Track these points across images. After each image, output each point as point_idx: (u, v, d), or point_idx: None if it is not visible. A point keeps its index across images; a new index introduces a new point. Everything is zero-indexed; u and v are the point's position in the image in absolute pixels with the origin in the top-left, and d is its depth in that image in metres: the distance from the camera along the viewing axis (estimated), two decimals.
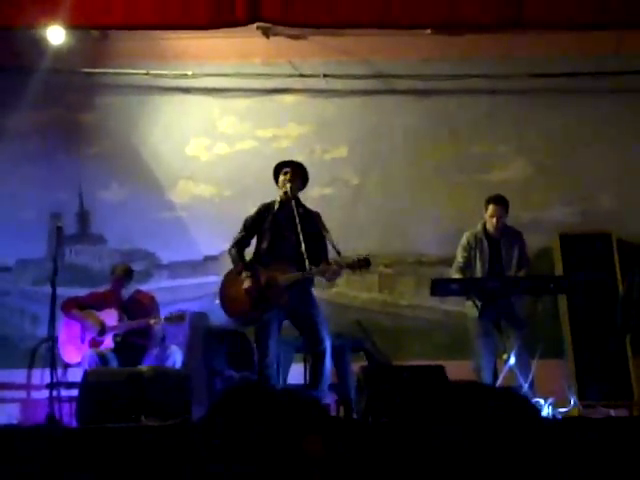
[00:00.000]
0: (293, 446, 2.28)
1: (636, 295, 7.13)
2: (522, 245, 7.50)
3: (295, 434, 2.31)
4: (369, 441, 4.77)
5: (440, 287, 7.21)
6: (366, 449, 4.56)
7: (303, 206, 6.89)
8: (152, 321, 7.63)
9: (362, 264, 6.67)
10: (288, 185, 6.83)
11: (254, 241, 6.98)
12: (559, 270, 8.61)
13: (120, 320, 7.68)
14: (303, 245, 6.55)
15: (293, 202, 6.79)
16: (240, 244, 6.91)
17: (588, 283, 8.26)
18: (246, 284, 6.69)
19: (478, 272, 7.38)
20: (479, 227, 7.50)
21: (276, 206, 6.86)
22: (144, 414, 5.98)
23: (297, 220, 6.65)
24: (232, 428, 2.31)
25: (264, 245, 6.82)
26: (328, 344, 6.71)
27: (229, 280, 6.93)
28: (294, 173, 6.91)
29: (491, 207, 7.42)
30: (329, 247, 6.69)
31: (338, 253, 6.54)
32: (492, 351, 7.21)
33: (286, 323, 6.90)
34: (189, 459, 4.58)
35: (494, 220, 7.40)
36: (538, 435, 2.34)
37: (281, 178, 6.92)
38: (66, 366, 7.66)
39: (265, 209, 6.91)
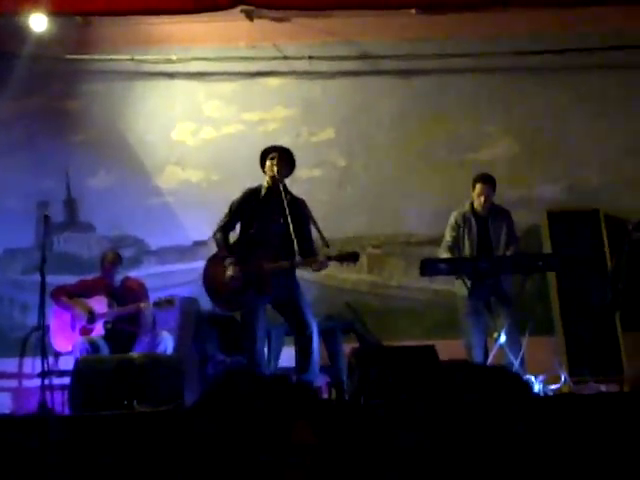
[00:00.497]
0: (283, 433, 2.29)
1: (624, 271, 7.15)
2: (510, 223, 7.50)
3: (285, 421, 2.31)
4: (361, 422, 4.78)
5: (429, 267, 7.20)
6: (358, 430, 4.57)
7: (290, 192, 6.79)
8: (141, 305, 7.63)
9: (349, 258, 6.61)
10: (275, 169, 6.75)
11: (239, 225, 6.90)
12: (547, 247, 8.62)
13: (110, 307, 7.68)
14: (292, 232, 6.50)
15: (281, 186, 6.73)
16: (225, 228, 6.83)
17: (577, 260, 8.26)
18: (230, 271, 6.62)
19: (467, 251, 7.38)
20: (467, 206, 7.49)
21: (263, 191, 6.81)
22: (136, 401, 5.98)
23: (286, 206, 6.58)
24: (223, 414, 2.32)
25: (251, 231, 6.75)
26: (315, 328, 6.68)
27: (213, 265, 6.86)
28: (281, 158, 6.81)
29: (478, 186, 7.42)
30: (315, 235, 6.66)
31: (326, 245, 6.49)
32: (482, 329, 7.23)
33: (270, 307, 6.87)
34: (182, 444, 4.59)
35: (482, 199, 7.40)
36: (530, 411, 2.36)
37: (268, 163, 6.81)
38: (57, 354, 7.65)
39: (251, 193, 6.83)
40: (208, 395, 2.44)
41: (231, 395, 2.35)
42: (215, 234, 6.86)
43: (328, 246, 6.49)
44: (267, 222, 6.71)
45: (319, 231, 6.56)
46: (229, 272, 6.60)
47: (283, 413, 2.32)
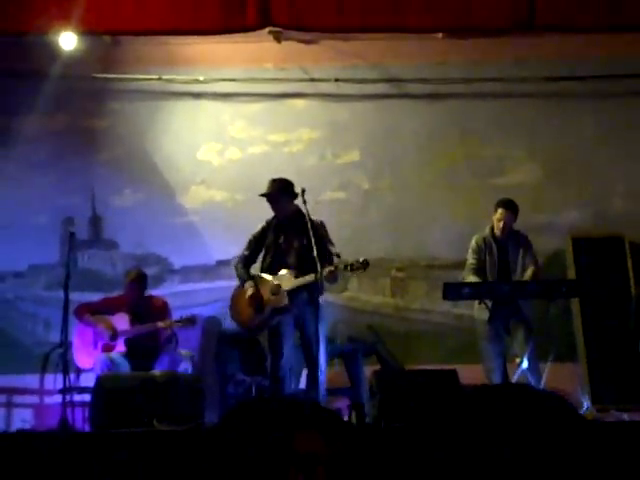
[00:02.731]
0: (285, 441, 2.28)
1: None
2: (528, 246, 7.45)
3: (288, 429, 2.31)
4: (381, 446, 4.76)
5: (452, 291, 7.20)
6: (378, 453, 4.55)
7: (302, 217, 6.83)
8: (163, 324, 7.66)
9: (358, 266, 6.64)
10: (276, 212, 7.02)
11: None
12: (571, 273, 8.58)
13: (132, 324, 7.70)
14: (296, 255, 6.78)
15: (290, 214, 6.93)
16: (246, 260, 7.12)
17: (600, 286, 8.21)
18: (249, 292, 6.89)
19: (488, 275, 7.37)
20: (487, 230, 7.48)
21: (274, 222, 7.07)
22: (157, 419, 5.98)
23: (295, 231, 6.83)
24: (239, 436, 2.32)
25: (268, 258, 7.01)
26: (322, 357, 6.68)
27: (237, 294, 7.10)
28: (275, 201, 7.01)
29: (499, 211, 7.40)
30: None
31: (337, 256, 6.68)
32: (501, 353, 7.20)
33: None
34: (201, 464, 4.58)
35: (500, 224, 7.37)
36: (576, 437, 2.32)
37: None
38: (79, 371, 7.67)
39: (267, 225, 7.09)
40: (227, 419, 2.44)
41: (249, 419, 2.34)
42: (236, 266, 7.16)
43: (339, 256, 6.67)
44: (283, 248, 6.97)
45: (329, 248, 6.77)
46: (248, 292, 6.86)
47: (287, 423, 2.31)
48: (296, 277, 6.77)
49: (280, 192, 7.01)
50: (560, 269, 8.64)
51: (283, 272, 6.87)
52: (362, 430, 5.76)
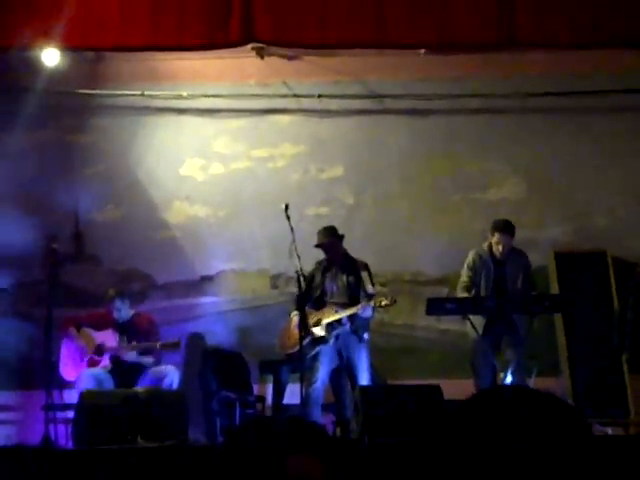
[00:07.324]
0: (277, 465, 2.28)
1: (631, 314, 7.13)
2: (527, 267, 7.45)
3: (281, 453, 2.31)
4: (366, 461, 4.76)
5: (436, 306, 7.20)
6: (363, 469, 4.55)
7: (350, 259, 7.60)
8: (149, 345, 7.66)
9: (387, 303, 7.21)
10: (331, 258, 7.61)
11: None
12: (554, 288, 8.59)
13: (120, 341, 7.69)
14: (340, 294, 7.46)
15: (339, 259, 7.57)
16: (299, 299, 7.44)
17: (583, 301, 8.22)
18: (294, 321, 7.39)
19: (482, 292, 7.35)
20: (485, 248, 7.44)
21: (323, 264, 7.63)
22: (140, 435, 5.96)
23: (338, 270, 7.55)
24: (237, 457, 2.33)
25: (316, 296, 7.56)
26: (367, 377, 7.34)
27: (286, 325, 7.62)
28: (328, 250, 7.59)
29: (497, 235, 7.34)
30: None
31: (371, 294, 7.26)
32: (492, 371, 7.16)
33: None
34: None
35: (500, 247, 7.34)
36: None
37: None
38: (62, 387, 7.62)
39: (317, 267, 7.66)
40: (233, 437, 2.44)
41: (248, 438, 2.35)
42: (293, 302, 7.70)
43: (372, 295, 7.28)
44: (328, 287, 7.58)
45: (365, 289, 7.34)
46: (294, 321, 7.42)
47: (280, 446, 2.31)
48: (337, 312, 7.34)
49: (333, 238, 7.58)
50: (543, 284, 8.64)
51: (327, 308, 7.43)
52: (346, 446, 5.75)
